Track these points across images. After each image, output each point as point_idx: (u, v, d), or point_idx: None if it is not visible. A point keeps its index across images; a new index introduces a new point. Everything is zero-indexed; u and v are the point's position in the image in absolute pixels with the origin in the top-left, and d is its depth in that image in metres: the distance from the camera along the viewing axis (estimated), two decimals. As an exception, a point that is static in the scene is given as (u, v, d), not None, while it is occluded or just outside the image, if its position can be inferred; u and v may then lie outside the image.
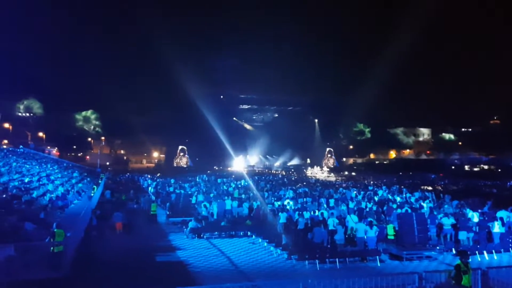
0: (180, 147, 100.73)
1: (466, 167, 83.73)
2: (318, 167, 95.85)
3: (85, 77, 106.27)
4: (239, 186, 41.57)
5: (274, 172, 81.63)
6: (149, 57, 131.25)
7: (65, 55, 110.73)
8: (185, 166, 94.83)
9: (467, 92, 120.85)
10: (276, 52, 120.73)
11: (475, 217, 20.82)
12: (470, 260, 10.90)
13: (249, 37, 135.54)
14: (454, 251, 17.28)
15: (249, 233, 20.83)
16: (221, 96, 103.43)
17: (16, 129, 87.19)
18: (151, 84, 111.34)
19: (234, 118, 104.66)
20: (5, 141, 77.73)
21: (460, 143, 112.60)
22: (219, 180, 48.74)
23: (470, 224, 19.56)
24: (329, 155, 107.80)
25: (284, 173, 77.47)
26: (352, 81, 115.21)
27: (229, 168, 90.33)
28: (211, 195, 31.45)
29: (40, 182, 32.34)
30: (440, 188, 45.14)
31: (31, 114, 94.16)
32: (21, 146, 64.96)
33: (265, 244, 18.58)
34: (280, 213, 20.80)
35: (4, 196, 23.04)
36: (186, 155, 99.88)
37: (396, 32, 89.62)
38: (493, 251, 17.33)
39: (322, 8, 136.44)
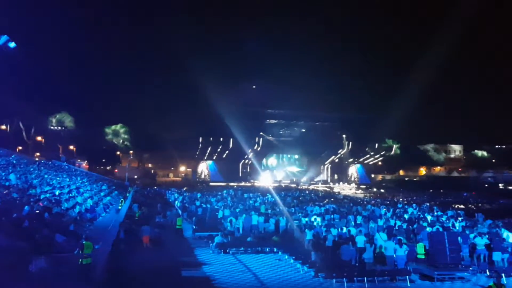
0: (202, 162, 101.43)
1: (501, 186, 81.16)
2: (346, 183, 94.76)
3: (115, 91, 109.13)
4: (266, 201, 41.36)
5: (301, 187, 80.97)
6: (178, 71, 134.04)
7: (96, 71, 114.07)
8: (204, 179, 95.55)
9: (500, 107, 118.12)
10: (304, 68, 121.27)
11: (510, 237, 20.06)
12: (505, 282, 10.47)
13: (278, 52, 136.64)
14: (488, 273, 16.65)
15: (275, 249, 20.60)
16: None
17: (49, 142, 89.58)
18: (179, 98, 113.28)
19: (261, 133, 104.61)
20: (38, 154, 79.88)
21: (493, 160, 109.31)
22: (245, 195, 48.65)
23: (505, 245, 18.84)
24: (355, 171, 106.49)
25: (311, 189, 76.74)
26: (382, 96, 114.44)
27: (255, 183, 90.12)
28: (238, 210, 31.35)
29: (70, 195, 32.96)
30: (473, 207, 43.83)
31: (63, 128, 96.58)
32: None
33: (292, 260, 18.34)
34: (306, 230, 20.53)
35: (36, 208, 23.52)
36: (207, 170, 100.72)
37: (428, 47, 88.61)
38: (531, 273, 16.60)
39: (351, 23, 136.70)
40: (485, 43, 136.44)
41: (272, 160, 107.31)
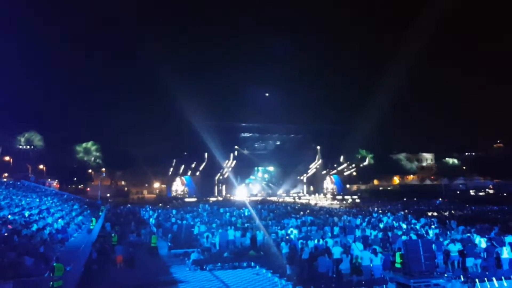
0: (178, 178, 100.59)
1: (472, 192, 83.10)
2: (322, 194, 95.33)
3: (85, 109, 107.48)
4: (242, 215, 41.09)
5: (277, 200, 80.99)
6: (150, 88, 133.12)
7: (64, 88, 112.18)
8: (182, 196, 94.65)
9: (469, 116, 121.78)
10: (277, 81, 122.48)
11: (482, 242, 20.40)
12: (478, 287, 10.61)
13: (250, 65, 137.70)
14: (462, 278, 16.85)
15: (252, 263, 20.41)
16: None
17: (17, 162, 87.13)
18: (152, 115, 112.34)
19: (236, 147, 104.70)
20: (5, 174, 77.61)
21: (464, 167, 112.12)
22: (221, 210, 48.23)
23: (478, 250, 19.13)
24: (330, 182, 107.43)
25: (287, 201, 76.81)
26: (354, 108, 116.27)
27: (231, 197, 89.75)
28: (214, 225, 31.02)
29: (40, 216, 32.04)
30: (445, 214, 44.63)
31: (32, 147, 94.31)
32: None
33: (269, 274, 18.17)
34: (283, 243, 20.44)
35: (4, 231, 22.75)
36: (184, 185, 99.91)
37: (398, 58, 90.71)
38: (503, 277, 16.87)
39: (323, 36, 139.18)
40: (452, 52, 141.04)
41: (248, 174, 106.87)
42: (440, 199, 67.70)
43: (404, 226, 29.34)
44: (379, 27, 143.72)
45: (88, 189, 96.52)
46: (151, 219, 40.94)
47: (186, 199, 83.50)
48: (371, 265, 16.61)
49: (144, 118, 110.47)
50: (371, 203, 65.00)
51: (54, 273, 13.38)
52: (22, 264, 16.28)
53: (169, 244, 25.80)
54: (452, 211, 46.98)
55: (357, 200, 77.93)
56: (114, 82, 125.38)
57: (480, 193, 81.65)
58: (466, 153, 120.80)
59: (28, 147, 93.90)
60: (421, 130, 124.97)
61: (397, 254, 17.82)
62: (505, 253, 17.95)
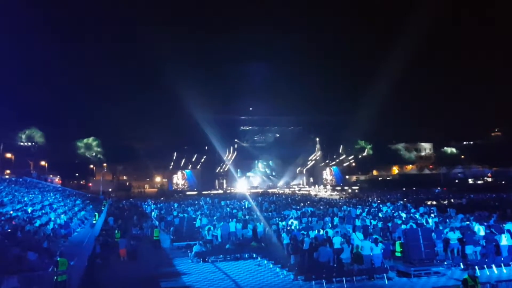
0: (179, 171, 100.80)
1: (470, 181, 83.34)
2: (321, 185, 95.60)
3: (86, 104, 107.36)
4: (243, 207, 41.32)
5: (278, 192, 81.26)
6: (150, 82, 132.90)
7: (65, 83, 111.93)
8: (183, 189, 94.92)
9: (466, 105, 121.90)
10: (276, 73, 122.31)
11: (481, 230, 20.60)
12: (478, 274, 10.79)
13: (249, 58, 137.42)
14: (462, 266, 17.07)
15: (254, 255, 20.61)
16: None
17: (19, 158, 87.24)
18: (152, 108, 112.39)
19: (236, 140, 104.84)
20: (7, 171, 77.73)
21: (462, 156, 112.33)
22: (222, 203, 48.46)
23: (477, 238, 19.33)
24: (329, 173, 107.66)
25: (287, 193, 77.07)
26: (352, 99, 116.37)
27: (232, 190, 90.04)
28: (215, 217, 31.22)
29: (43, 211, 32.24)
30: (444, 202, 44.87)
31: (33, 143, 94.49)
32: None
33: (271, 265, 18.37)
34: (284, 234, 20.64)
35: (7, 227, 22.92)
36: (185, 179, 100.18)
37: (396, 49, 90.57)
38: (502, 264, 17.09)
39: (323, 28, 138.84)
40: (450, 43, 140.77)
41: (248, 167, 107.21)
42: (439, 188, 68.03)
43: (403, 215, 29.53)
44: (378, 17, 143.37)
45: (90, 184, 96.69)
46: (153, 213, 41.18)
47: (187, 193, 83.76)
48: (372, 254, 16.81)
49: (145, 113, 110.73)
50: (371, 193, 65.24)
51: (58, 267, 13.52)
52: (26, 259, 16.44)
53: (171, 237, 26.01)
54: (451, 200, 47.21)
55: (357, 191, 78.21)
56: (115, 77, 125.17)
57: (479, 181, 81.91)
58: (464, 142, 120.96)
59: (30, 143, 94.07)
60: (419, 120, 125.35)
61: (397, 243, 18.02)
62: (504, 240, 18.15)
